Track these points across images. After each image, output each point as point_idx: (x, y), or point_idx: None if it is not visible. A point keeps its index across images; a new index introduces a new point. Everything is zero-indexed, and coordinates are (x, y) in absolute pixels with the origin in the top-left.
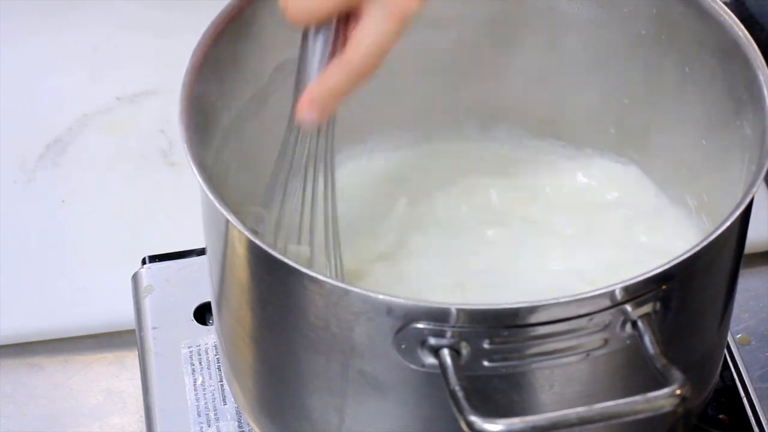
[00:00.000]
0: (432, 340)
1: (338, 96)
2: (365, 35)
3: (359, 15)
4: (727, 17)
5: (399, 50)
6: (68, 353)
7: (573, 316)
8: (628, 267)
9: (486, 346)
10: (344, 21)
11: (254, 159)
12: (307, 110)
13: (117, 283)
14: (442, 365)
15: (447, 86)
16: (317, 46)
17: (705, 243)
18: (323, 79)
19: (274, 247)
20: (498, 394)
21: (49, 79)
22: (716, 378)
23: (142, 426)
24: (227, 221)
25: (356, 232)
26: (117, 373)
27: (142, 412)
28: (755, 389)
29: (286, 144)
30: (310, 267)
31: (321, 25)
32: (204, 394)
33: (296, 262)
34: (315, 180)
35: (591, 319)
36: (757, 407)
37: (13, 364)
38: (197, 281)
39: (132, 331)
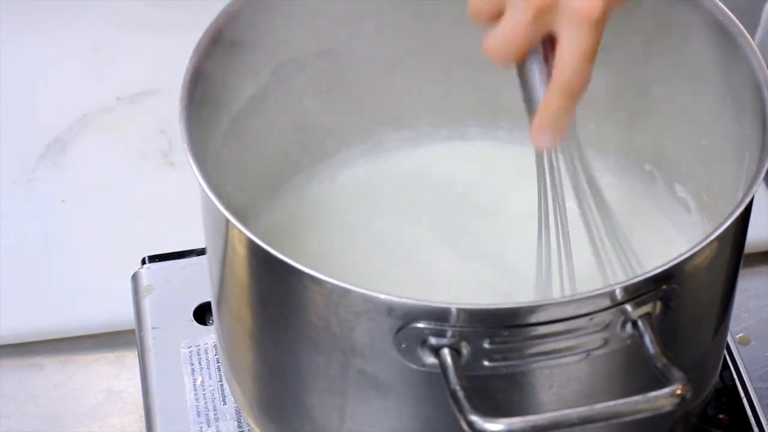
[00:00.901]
0: (432, 340)
1: (563, 116)
2: (565, 53)
3: (555, 35)
4: (727, 17)
5: (398, 50)
6: (68, 353)
7: (573, 316)
8: (628, 267)
9: (486, 345)
10: (549, 44)
11: (254, 159)
12: (540, 135)
13: (117, 283)
14: (442, 365)
15: (448, 86)
16: (532, 77)
17: (705, 243)
18: (545, 105)
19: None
20: (498, 393)
21: (49, 79)
22: (716, 378)
23: (142, 426)
24: (227, 221)
25: (352, 231)
26: (117, 373)
27: (142, 412)
28: (755, 389)
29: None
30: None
31: (525, 58)
32: (204, 394)
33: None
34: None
35: (591, 319)
36: (757, 407)
37: (13, 364)
38: (197, 281)
39: (132, 331)
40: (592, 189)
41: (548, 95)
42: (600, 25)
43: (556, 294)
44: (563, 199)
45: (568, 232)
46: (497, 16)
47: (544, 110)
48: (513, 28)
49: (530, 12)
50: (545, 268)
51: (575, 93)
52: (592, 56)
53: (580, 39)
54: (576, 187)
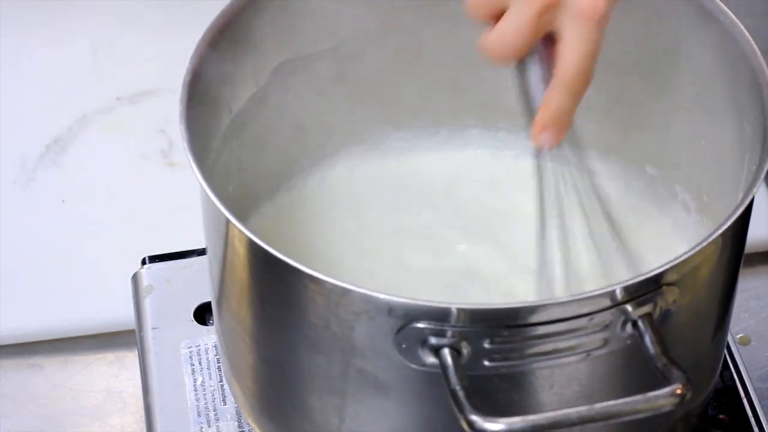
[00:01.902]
0: (432, 340)
1: (565, 116)
2: (567, 52)
3: (556, 34)
4: (727, 18)
5: (398, 50)
6: (68, 353)
7: (573, 316)
8: (628, 267)
9: (486, 345)
10: (548, 42)
11: (254, 159)
12: (542, 135)
13: (117, 283)
14: (442, 365)
15: (448, 86)
16: (531, 76)
17: (705, 243)
18: (546, 104)
19: None
20: (498, 393)
21: (49, 79)
22: (716, 378)
23: (142, 426)
24: (227, 221)
25: (352, 231)
26: (117, 373)
27: (142, 412)
28: (755, 389)
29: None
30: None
31: (525, 56)
32: (204, 394)
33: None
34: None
35: (591, 319)
36: (757, 407)
37: (13, 364)
38: (197, 281)
39: (132, 331)
40: (592, 189)
41: (550, 94)
42: (603, 23)
43: (557, 295)
44: (563, 199)
45: (567, 232)
46: (497, 14)
47: (546, 109)
48: (515, 25)
49: (534, 10)
50: (545, 268)
51: (578, 92)
52: (595, 55)
53: (584, 38)
54: (576, 188)
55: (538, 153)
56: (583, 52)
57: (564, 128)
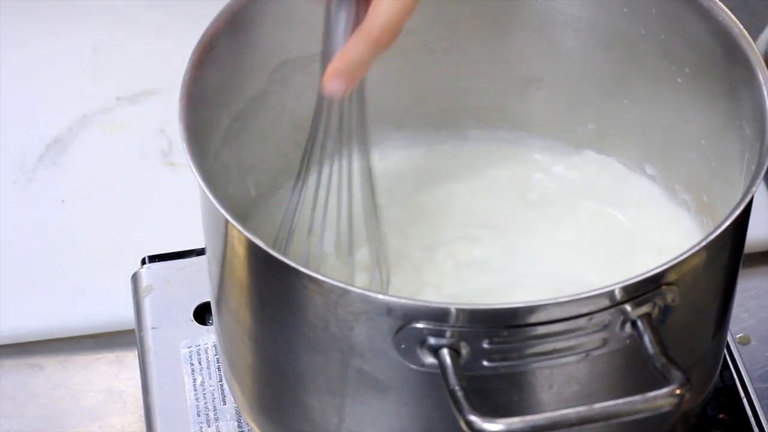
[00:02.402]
0: (431, 340)
1: (361, 66)
2: (382, 5)
3: None
4: (727, 17)
5: (398, 50)
6: (68, 353)
7: (572, 316)
8: (628, 267)
9: (485, 345)
10: None
11: (254, 159)
12: (332, 81)
13: (117, 283)
14: (441, 365)
15: (448, 86)
16: (340, 19)
17: (705, 243)
18: (346, 51)
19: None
20: (497, 393)
21: (49, 79)
22: (716, 378)
23: (142, 426)
24: (227, 221)
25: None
26: (117, 373)
27: (142, 412)
28: (755, 389)
29: (314, 126)
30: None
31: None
32: (204, 394)
33: (299, 263)
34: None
35: (590, 319)
36: (757, 407)
37: (13, 364)
38: (197, 281)
39: (132, 331)
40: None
41: (351, 42)
42: None
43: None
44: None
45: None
46: None
47: (344, 56)
48: None
49: None
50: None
51: (378, 47)
52: (406, 16)
53: None
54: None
55: (327, 101)
56: (395, 11)
57: (355, 80)
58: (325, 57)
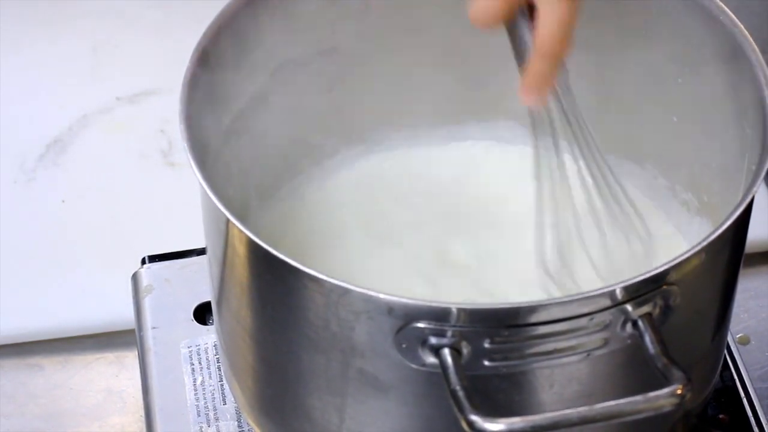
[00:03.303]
0: (433, 340)
1: (544, 78)
2: (544, 22)
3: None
4: (727, 17)
5: (398, 50)
6: (68, 353)
7: (573, 316)
8: (629, 267)
9: (486, 345)
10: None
11: (254, 159)
12: (526, 96)
13: (117, 283)
14: (442, 365)
15: (448, 86)
16: (518, 36)
17: (705, 243)
18: (529, 68)
19: None
20: (499, 393)
21: (49, 79)
22: (716, 378)
23: (142, 426)
24: (227, 221)
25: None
26: (117, 373)
27: (142, 412)
28: (755, 389)
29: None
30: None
31: (509, 22)
32: (204, 394)
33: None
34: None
35: (591, 319)
36: (757, 407)
37: (13, 364)
38: (197, 281)
39: (132, 331)
40: (599, 182)
41: (531, 59)
42: None
43: (556, 294)
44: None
45: (568, 229)
46: None
47: (528, 73)
48: None
49: None
50: (545, 265)
51: (555, 58)
52: (569, 24)
53: (555, 8)
54: (583, 181)
55: (531, 113)
56: (557, 22)
57: (546, 89)
58: (522, 68)
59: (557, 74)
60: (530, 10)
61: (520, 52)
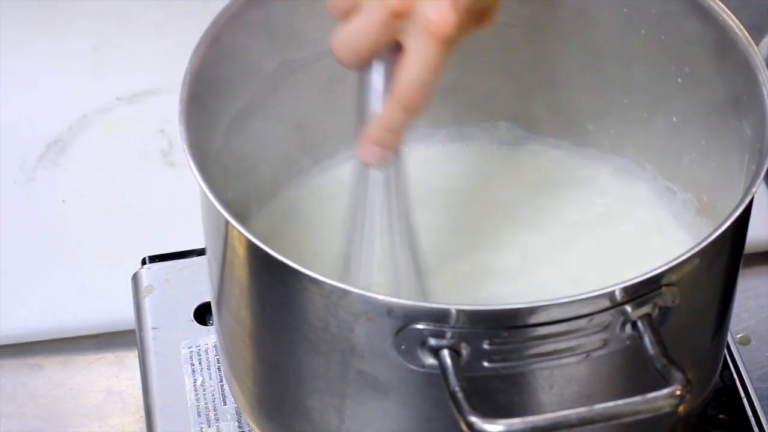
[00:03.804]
0: (432, 341)
1: (396, 132)
2: (409, 68)
3: (403, 45)
4: (727, 17)
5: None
6: (68, 353)
7: (573, 317)
8: (628, 267)
9: (486, 346)
10: (395, 53)
11: (254, 159)
12: (367, 150)
13: (117, 283)
14: (442, 366)
15: (448, 86)
16: (371, 84)
17: (705, 243)
18: (379, 118)
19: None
20: (498, 394)
21: (49, 79)
22: (716, 378)
23: (142, 426)
24: (227, 221)
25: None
26: (117, 373)
27: (142, 412)
28: (755, 389)
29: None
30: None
31: (369, 63)
32: (204, 394)
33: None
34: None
35: (591, 320)
36: (757, 407)
37: (13, 364)
38: (197, 281)
39: (132, 331)
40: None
41: (384, 108)
42: (450, 42)
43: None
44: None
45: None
46: (350, 14)
47: (377, 123)
48: (361, 29)
49: (382, 14)
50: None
51: (412, 109)
52: (435, 73)
53: (426, 53)
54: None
55: (364, 168)
56: (423, 67)
57: (391, 147)
58: (360, 121)
59: (404, 132)
60: (395, 52)
61: (366, 103)
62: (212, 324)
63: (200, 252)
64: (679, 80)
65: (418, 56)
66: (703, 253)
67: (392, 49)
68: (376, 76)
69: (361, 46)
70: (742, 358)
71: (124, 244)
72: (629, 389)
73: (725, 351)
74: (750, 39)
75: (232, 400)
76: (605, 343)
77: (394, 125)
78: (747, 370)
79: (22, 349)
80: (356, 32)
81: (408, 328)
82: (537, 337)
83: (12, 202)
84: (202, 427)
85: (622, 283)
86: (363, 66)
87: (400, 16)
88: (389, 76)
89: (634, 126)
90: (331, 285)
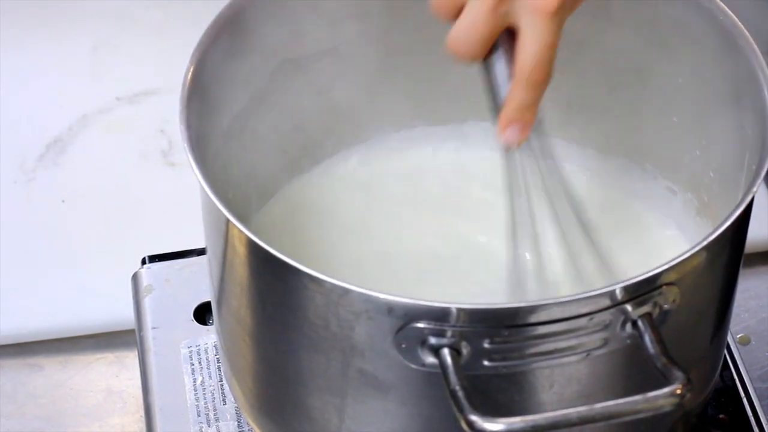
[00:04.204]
0: (432, 340)
1: (528, 109)
2: (525, 48)
3: (515, 28)
4: (726, 16)
5: (398, 50)
6: (68, 353)
7: (573, 316)
8: (629, 267)
9: (486, 345)
10: (511, 38)
11: (254, 159)
12: (507, 132)
13: (117, 283)
14: (442, 365)
15: (448, 86)
16: (496, 73)
17: (705, 243)
18: (510, 100)
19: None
20: (498, 393)
21: (49, 79)
22: (716, 378)
23: (142, 426)
24: (227, 221)
25: (351, 231)
26: (117, 373)
27: (142, 412)
28: (755, 389)
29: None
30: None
31: (487, 53)
32: (204, 394)
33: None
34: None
35: (591, 319)
36: (757, 407)
37: (13, 364)
38: (197, 281)
39: (132, 331)
40: (564, 188)
41: (512, 89)
42: (559, 15)
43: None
44: (534, 201)
45: (538, 234)
46: (457, 12)
47: (509, 105)
48: (472, 22)
49: (487, 4)
50: (517, 274)
51: (538, 85)
52: (552, 47)
53: (539, 30)
54: (547, 189)
55: (507, 152)
56: (540, 44)
57: (528, 124)
58: (495, 111)
59: (538, 107)
60: (509, 38)
61: (496, 91)
62: (212, 324)
63: (200, 252)
64: (679, 80)
65: (533, 35)
66: (703, 253)
67: (507, 37)
68: (499, 64)
69: (477, 39)
70: (742, 358)
71: (124, 244)
72: (629, 388)
73: (725, 351)
74: (750, 39)
75: (232, 399)
76: (605, 342)
77: (525, 103)
78: (747, 370)
79: (22, 349)
80: (469, 26)
81: (408, 326)
82: (537, 336)
83: (12, 202)
84: (201, 427)
85: (623, 282)
86: (482, 57)
87: (506, 1)
88: (510, 62)
89: (634, 126)
90: (332, 284)
